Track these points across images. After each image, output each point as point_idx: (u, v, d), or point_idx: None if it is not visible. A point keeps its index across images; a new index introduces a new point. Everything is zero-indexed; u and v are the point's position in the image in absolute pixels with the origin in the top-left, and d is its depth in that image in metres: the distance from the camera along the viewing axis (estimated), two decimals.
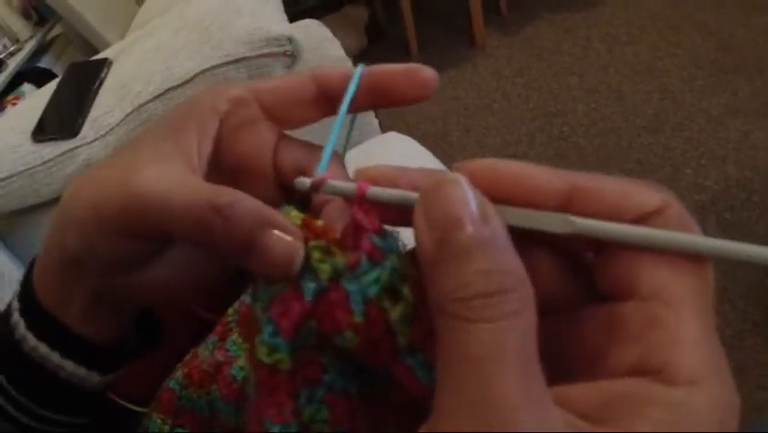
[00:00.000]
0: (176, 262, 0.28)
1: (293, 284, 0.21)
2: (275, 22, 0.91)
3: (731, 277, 1.36)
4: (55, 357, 0.31)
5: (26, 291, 0.31)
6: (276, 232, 0.22)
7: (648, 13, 2.28)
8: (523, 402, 0.16)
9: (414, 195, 0.20)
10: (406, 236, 0.22)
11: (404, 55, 2.45)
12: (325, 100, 0.28)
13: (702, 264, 0.18)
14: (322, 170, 0.24)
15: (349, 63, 1.00)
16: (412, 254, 0.21)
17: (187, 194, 0.22)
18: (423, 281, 0.19)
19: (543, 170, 0.20)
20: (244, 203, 0.22)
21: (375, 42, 2.55)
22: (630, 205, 0.19)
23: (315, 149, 0.28)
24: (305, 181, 0.24)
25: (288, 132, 0.29)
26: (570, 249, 0.21)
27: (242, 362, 0.36)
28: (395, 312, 0.20)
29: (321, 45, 0.99)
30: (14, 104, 1.85)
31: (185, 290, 0.29)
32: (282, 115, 0.28)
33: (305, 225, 0.22)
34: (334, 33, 1.03)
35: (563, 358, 0.20)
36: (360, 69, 0.26)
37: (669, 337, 0.17)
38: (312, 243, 0.22)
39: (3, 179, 0.96)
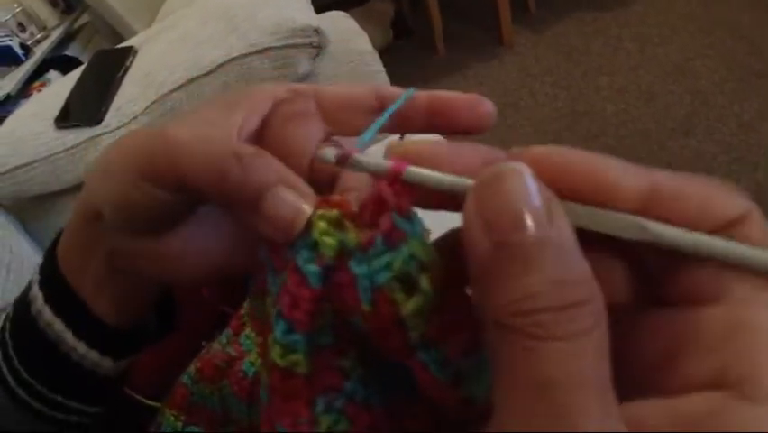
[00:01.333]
0: (192, 237, 0.27)
1: (294, 269, 0.19)
2: (302, 12, 0.90)
3: None
4: (69, 337, 0.30)
5: (48, 260, 0.30)
6: (287, 190, 0.21)
7: (680, 14, 2.23)
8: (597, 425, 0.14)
9: (464, 181, 0.18)
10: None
11: (429, 51, 2.43)
12: (380, 110, 0.27)
13: None
14: (360, 144, 0.22)
15: (376, 56, 0.99)
16: (438, 244, 0.19)
17: (212, 142, 0.22)
18: (451, 277, 0.17)
19: (619, 165, 0.18)
20: (267, 157, 0.22)
21: (400, 38, 2.52)
22: (712, 212, 0.17)
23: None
24: (328, 153, 0.22)
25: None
26: (632, 250, 0.19)
27: (253, 357, 0.35)
28: (408, 306, 0.18)
29: (347, 37, 0.98)
30: (41, 90, 1.86)
31: (197, 269, 0.28)
32: (338, 119, 0.27)
33: (321, 201, 0.20)
34: (360, 26, 1.02)
35: (624, 370, 0.17)
36: (411, 91, 0.26)
37: (754, 348, 0.15)
38: (319, 211, 0.20)
39: (25, 165, 0.97)
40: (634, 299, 0.19)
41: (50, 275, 0.30)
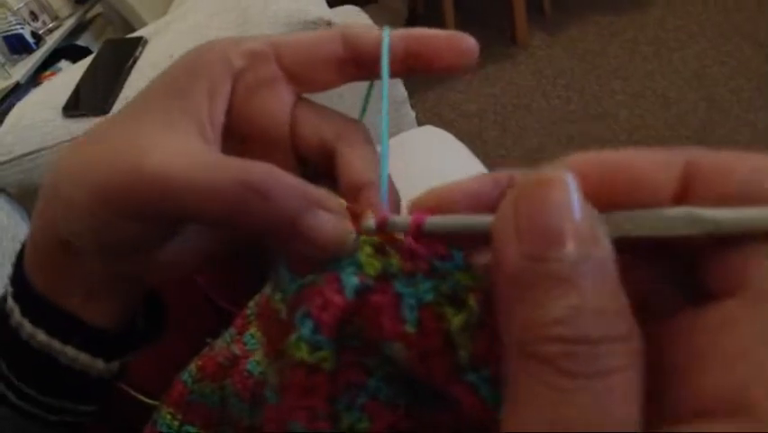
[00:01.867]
0: (182, 240, 0.25)
1: (332, 276, 0.19)
2: (314, 5, 0.90)
3: None
4: (55, 344, 0.29)
5: (19, 275, 0.28)
6: (322, 211, 0.19)
7: (698, 20, 2.21)
8: None
9: (485, 219, 0.17)
10: None
11: None
12: (353, 64, 0.24)
13: None
14: (383, 199, 0.21)
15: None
16: (482, 268, 0.18)
17: (213, 173, 0.19)
18: (494, 300, 0.15)
19: (647, 155, 0.16)
20: (284, 179, 0.19)
21: None
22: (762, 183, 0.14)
23: (332, 115, 0.25)
24: (370, 223, 0.20)
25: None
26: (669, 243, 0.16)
27: (258, 356, 0.34)
28: (456, 321, 0.17)
29: None
30: (51, 79, 1.87)
31: (192, 263, 0.26)
32: (303, 76, 0.25)
33: (350, 215, 0.20)
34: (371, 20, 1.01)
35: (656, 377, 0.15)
36: (387, 31, 0.23)
37: None
38: (363, 237, 0.19)
39: (31, 153, 0.96)
40: (668, 296, 0.16)
41: (23, 291, 0.28)
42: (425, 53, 0.24)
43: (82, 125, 0.95)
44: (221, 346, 0.38)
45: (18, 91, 1.74)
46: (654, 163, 0.16)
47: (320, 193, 0.20)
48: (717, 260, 0.15)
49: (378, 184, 0.22)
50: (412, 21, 2.52)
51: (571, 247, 0.13)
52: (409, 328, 0.18)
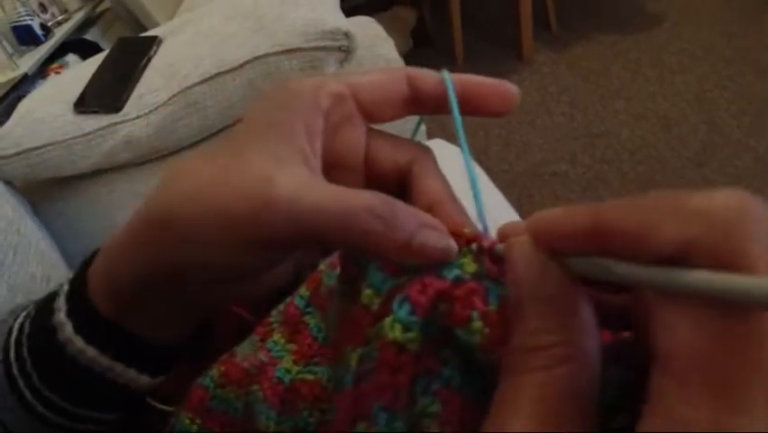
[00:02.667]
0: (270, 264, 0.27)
1: (434, 272, 0.22)
2: (332, 15, 0.90)
3: None
4: (105, 360, 0.30)
5: (78, 295, 0.30)
6: (431, 231, 0.23)
7: (702, 44, 2.25)
8: None
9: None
10: None
11: (449, 62, 2.44)
12: (414, 101, 0.28)
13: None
14: (489, 232, 0.25)
15: (401, 64, 0.98)
16: None
17: (342, 202, 0.23)
18: None
19: (567, 215, 0.19)
20: (402, 207, 0.23)
21: (420, 46, 2.54)
22: (649, 243, 0.17)
23: (403, 142, 0.28)
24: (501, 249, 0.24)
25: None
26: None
27: (288, 364, 0.35)
28: None
29: (374, 43, 0.98)
30: (58, 72, 1.87)
31: (265, 290, 0.28)
32: (375, 112, 0.28)
33: (453, 233, 0.23)
34: None
35: None
36: (447, 74, 0.27)
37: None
38: (465, 248, 0.23)
39: (40, 147, 0.96)
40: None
41: (82, 311, 0.30)
42: (477, 98, 0.27)
43: (93, 122, 0.95)
44: (245, 353, 0.38)
45: (25, 83, 1.74)
46: (572, 224, 0.19)
47: (427, 215, 0.23)
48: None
49: (450, 203, 0.26)
50: (419, 31, 2.54)
51: (523, 289, 0.20)
52: (492, 308, 0.21)
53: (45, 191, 1.04)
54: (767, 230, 0.16)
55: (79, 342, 0.29)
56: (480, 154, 1.98)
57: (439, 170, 0.28)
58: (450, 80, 0.26)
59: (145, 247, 0.26)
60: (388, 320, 0.22)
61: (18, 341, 0.33)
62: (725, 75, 2.07)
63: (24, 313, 0.35)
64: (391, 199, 0.23)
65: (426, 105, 0.28)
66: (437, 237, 0.23)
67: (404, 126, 0.30)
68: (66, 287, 0.31)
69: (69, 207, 1.04)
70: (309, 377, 0.34)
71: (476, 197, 0.24)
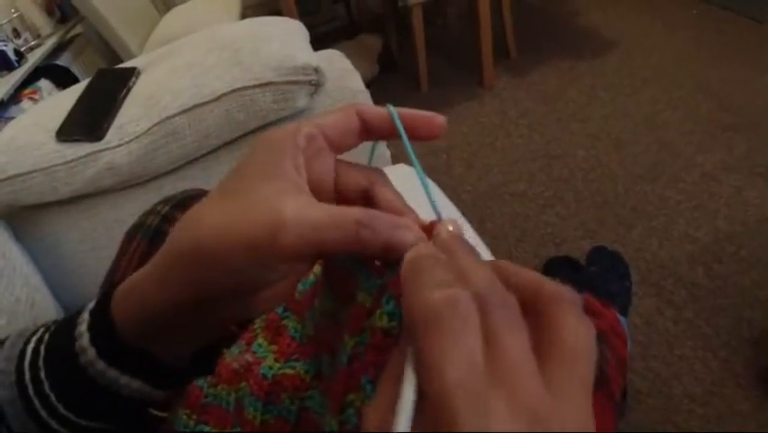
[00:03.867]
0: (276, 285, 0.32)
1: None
2: (303, 52, 0.95)
3: (715, 325, 1.40)
4: (124, 379, 0.34)
5: (101, 322, 0.34)
6: (404, 230, 0.29)
7: (652, 68, 2.35)
8: None
9: None
10: None
11: (413, 87, 2.51)
12: (365, 131, 0.34)
13: None
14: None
15: (367, 95, 1.04)
16: None
17: (337, 218, 0.28)
18: None
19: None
20: (381, 215, 0.29)
21: (386, 72, 2.60)
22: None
23: (365, 168, 0.35)
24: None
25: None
26: None
27: (270, 362, 0.40)
28: None
29: (342, 76, 1.03)
30: (31, 98, 1.88)
31: (271, 306, 0.32)
32: (339, 144, 0.34)
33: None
34: (348, 59, 1.08)
35: None
36: (392, 108, 0.34)
37: None
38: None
39: (24, 174, 0.98)
40: None
41: (105, 338, 0.33)
42: (412, 127, 0.33)
43: (75, 150, 0.98)
44: (234, 356, 0.43)
45: (0, 109, 1.76)
46: None
47: (401, 219, 0.30)
48: None
49: (408, 212, 0.33)
50: (385, 57, 2.61)
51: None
52: None
53: (27, 218, 1.06)
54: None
55: (101, 365, 0.33)
56: (444, 175, 2.04)
57: (392, 186, 0.34)
58: (395, 112, 0.33)
59: (179, 277, 0.30)
60: (378, 312, 0.28)
61: (33, 364, 0.36)
62: (675, 96, 2.17)
63: (36, 337, 0.38)
64: (371, 211, 0.29)
65: (375, 133, 0.34)
66: (409, 234, 0.29)
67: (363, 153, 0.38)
68: (86, 316, 0.35)
69: (50, 231, 1.07)
70: (290, 371, 0.39)
71: (428, 194, 0.31)
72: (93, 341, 0.33)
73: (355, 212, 0.29)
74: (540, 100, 2.31)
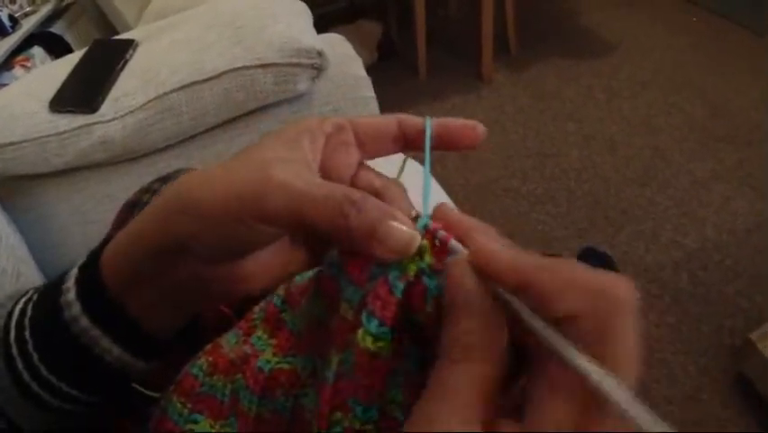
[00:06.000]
0: (263, 257, 0.32)
1: (383, 281, 0.26)
2: (307, 34, 0.94)
3: (696, 332, 1.42)
4: (105, 342, 0.33)
5: (89, 279, 0.33)
6: (395, 222, 0.26)
7: (650, 72, 2.36)
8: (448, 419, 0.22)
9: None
10: None
11: (412, 75, 2.50)
12: (403, 140, 0.33)
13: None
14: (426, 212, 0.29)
15: (368, 82, 1.03)
16: None
17: (326, 189, 0.27)
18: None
19: (506, 257, 0.24)
20: (372, 199, 0.27)
21: (385, 59, 2.59)
22: (551, 308, 0.22)
23: (385, 178, 0.34)
24: (442, 234, 0.28)
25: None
26: None
27: (268, 355, 0.39)
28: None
29: (344, 61, 1.02)
30: (23, 65, 1.85)
31: (260, 284, 0.32)
32: (369, 146, 0.33)
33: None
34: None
35: None
36: (429, 120, 0.33)
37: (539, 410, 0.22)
38: None
39: (15, 143, 0.96)
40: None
41: (91, 291, 0.33)
42: (452, 135, 0.33)
43: (68, 121, 0.96)
44: (231, 346, 0.43)
45: None
46: (508, 268, 0.24)
47: (396, 210, 0.27)
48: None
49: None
50: (385, 45, 2.59)
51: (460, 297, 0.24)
52: (428, 308, 0.26)
53: (16, 188, 1.04)
54: (634, 317, 0.22)
55: (85, 321, 0.33)
56: (438, 165, 2.04)
57: (407, 198, 0.32)
58: (430, 125, 0.32)
59: (163, 224, 0.30)
60: (360, 332, 0.26)
61: (19, 323, 0.36)
62: (670, 101, 2.18)
63: (25, 298, 0.38)
64: (366, 194, 0.27)
65: (412, 144, 0.33)
66: (399, 230, 0.26)
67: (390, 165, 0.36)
68: (74, 271, 0.35)
69: (38, 203, 1.05)
70: (286, 366, 0.38)
71: (425, 195, 0.30)
72: (79, 295, 0.33)
73: (348, 189, 0.27)
74: (537, 97, 2.31)
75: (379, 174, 0.34)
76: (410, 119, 0.33)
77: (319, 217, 0.27)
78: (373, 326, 0.25)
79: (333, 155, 0.32)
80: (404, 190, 0.33)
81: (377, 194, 0.32)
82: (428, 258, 0.27)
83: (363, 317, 0.26)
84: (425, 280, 0.26)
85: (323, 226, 0.27)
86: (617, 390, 0.19)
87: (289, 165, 0.28)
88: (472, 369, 0.22)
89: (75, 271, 0.35)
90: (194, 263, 0.31)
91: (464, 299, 0.23)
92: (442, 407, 0.22)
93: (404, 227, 0.26)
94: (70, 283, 0.34)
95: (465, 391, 0.22)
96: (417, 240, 0.27)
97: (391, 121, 0.33)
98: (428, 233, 0.27)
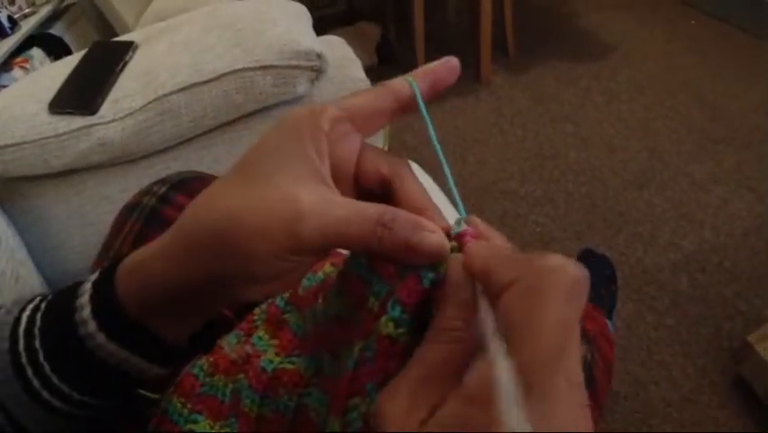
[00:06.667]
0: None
1: (412, 276, 0.28)
2: (306, 37, 0.94)
3: (695, 333, 1.42)
4: (123, 354, 0.33)
5: (105, 298, 0.33)
6: (426, 233, 0.28)
7: (649, 75, 2.36)
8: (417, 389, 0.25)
9: None
10: None
11: None
12: (400, 109, 0.33)
13: None
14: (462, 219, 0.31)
15: (368, 84, 1.04)
16: None
17: (356, 215, 0.28)
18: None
19: (483, 254, 0.27)
20: (402, 215, 0.28)
21: (384, 62, 2.59)
22: (491, 281, 0.26)
23: (390, 157, 0.34)
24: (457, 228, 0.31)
25: None
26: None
27: (270, 355, 0.40)
28: None
29: (343, 64, 1.02)
30: (22, 66, 1.85)
31: (275, 292, 0.32)
32: (368, 126, 0.33)
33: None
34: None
35: None
36: (413, 82, 0.33)
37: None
38: None
39: (14, 145, 0.96)
40: None
41: (108, 312, 0.33)
42: (437, 80, 0.34)
43: (67, 123, 0.96)
44: (232, 346, 0.43)
45: None
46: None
47: (424, 221, 0.29)
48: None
49: (432, 208, 0.32)
50: (384, 48, 2.60)
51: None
52: None
53: (15, 190, 1.04)
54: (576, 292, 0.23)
55: (101, 338, 0.33)
56: (436, 167, 2.01)
57: (416, 179, 0.33)
58: (416, 86, 0.33)
59: (193, 259, 0.30)
60: (383, 319, 0.27)
61: (28, 331, 0.35)
62: (668, 105, 2.18)
63: (32, 306, 0.37)
64: (392, 209, 0.28)
65: (407, 109, 0.33)
66: (430, 239, 0.28)
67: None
68: (88, 287, 0.34)
69: (37, 205, 1.05)
70: (290, 366, 0.38)
71: (452, 193, 0.32)
72: (94, 313, 0.33)
73: (376, 210, 0.28)
74: (535, 100, 2.32)
75: (382, 156, 0.33)
76: (399, 85, 0.33)
77: (354, 242, 0.28)
78: (396, 312, 0.27)
79: (336, 151, 0.32)
80: (410, 168, 0.33)
81: (387, 181, 0.32)
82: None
83: (389, 305, 0.28)
84: None
85: (356, 249, 0.29)
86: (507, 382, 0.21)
87: (312, 189, 0.28)
88: (444, 348, 0.25)
89: (89, 288, 0.34)
90: (218, 289, 0.31)
91: (451, 290, 0.27)
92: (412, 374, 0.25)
93: (434, 236, 0.28)
94: (84, 300, 0.34)
95: (432, 364, 0.25)
96: (447, 246, 0.28)
97: (384, 95, 0.33)
98: (459, 237, 0.29)
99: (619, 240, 1.68)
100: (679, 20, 2.68)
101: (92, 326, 0.33)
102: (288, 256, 0.28)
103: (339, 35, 1.09)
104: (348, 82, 1.01)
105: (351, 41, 1.10)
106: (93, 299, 0.34)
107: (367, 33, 2.53)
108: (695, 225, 1.71)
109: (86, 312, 0.33)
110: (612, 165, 1.96)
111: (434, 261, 0.28)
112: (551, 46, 2.62)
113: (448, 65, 0.34)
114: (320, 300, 0.36)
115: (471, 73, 2.45)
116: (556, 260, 0.23)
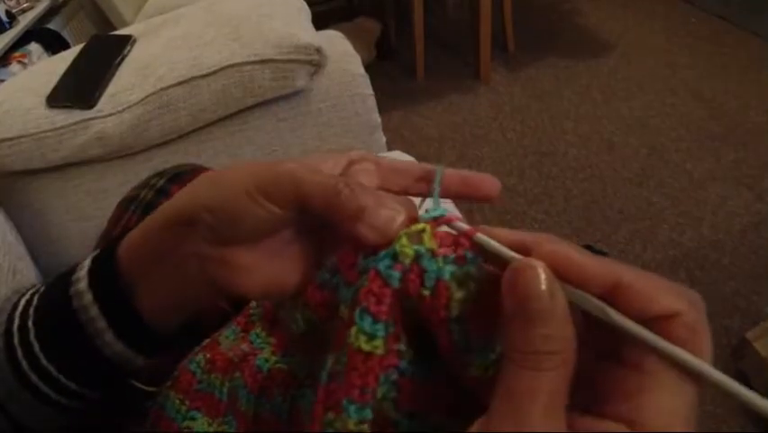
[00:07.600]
0: (261, 254, 0.32)
1: (373, 273, 0.26)
2: (305, 31, 0.94)
3: None
4: (109, 336, 0.34)
5: (102, 264, 0.34)
6: (383, 208, 0.28)
7: (648, 73, 2.36)
8: (542, 425, 0.21)
9: (508, 252, 0.26)
10: None
11: (409, 75, 2.50)
12: (424, 181, 0.35)
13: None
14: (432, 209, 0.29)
15: (367, 79, 1.03)
16: (491, 274, 0.26)
17: (324, 175, 0.30)
18: (487, 292, 0.25)
19: (593, 263, 0.24)
20: (369, 188, 0.29)
21: (383, 58, 2.58)
22: (651, 307, 0.23)
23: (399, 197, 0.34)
24: (462, 225, 0.29)
25: None
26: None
27: (266, 354, 0.39)
28: (457, 294, 0.25)
29: (342, 59, 1.02)
30: (20, 61, 1.84)
31: (255, 283, 0.32)
32: (389, 178, 0.34)
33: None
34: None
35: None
36: (440, 168, 0.34)
37: (651, 406, 0.22)
38: (404, 230, 0.27)
39: (12, 139, 0.96)
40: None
41: (103, 280, 0.34)
42: (474, 187, 0.34)
43: (65, 117, 0.96)
44: (230, 343, 0.42)
45: None
46: (594, 272, 0.24)
47: (384, 194, 0.29)
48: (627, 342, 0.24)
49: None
50: (383, 43, 2.60)
51: (535, 303, 0.23)
52: (426, 292, 0.26)
53: (13, 184, 1.04)
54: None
55: (94, 310, 0.33)
56: (434, 162, 2.00)
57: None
58: (440, 171, 0.33)
59: (188, 196, 0.32)
60: (353, 330, 0.25)
61: (24, 312, 0.36)
62: (667, 102, 2.18)
63: (32, 290, 0.38)
64: (362, 183, 0.30)
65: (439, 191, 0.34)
66: (383, 210, 0.28)
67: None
68: (87, 262, 0.35)
69: (35, 199, 1.05)
70: (284, 366, 0.38)
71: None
72: (91, 284, 0.34)
73: (343, 176, 0.31)
74: (535, 97, 2.31)
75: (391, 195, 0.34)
76: (428, 167, 0.35)
77: (317, 197, 0.29)
78: (367, 323, 0.25)
79: (353, 176, 0.33)
80: (415, 206, 0.33)
81: None
82: (429, 242, 0.27)
83: (356, 315, 0.25)
84: (425, 262, 0.26)
85: (318, 203, 0.29)
86: (719, 375, 0.21)
87: (299, 164, 0.30)
88: (557, 374, 0.22)
89: (87, 262, 0.35)
90: (199, 241, 0.31)
91: (540, 305, 0.23)
92: (532, 409, 0.22)
93: (385, 210, 0.28)
94: (82, 273, 0.35)
95: (550, 395, 0.22)
96: (399, 219, 0.27)
97: (415, 164, 0.35)
98: (434, 221, 0.28)
99: (618, 237, 1.68)
100: (678, 18, 2.68)
101: (88, 297, 0.34)
102: (262, 201, 0.29)
103: (338, 31, 1.09)
104: (347, 77, 1.01)
105: (350, 37, 1.10)
106: (91, 271, 0.35)
107: (366, 29, 2.53)
108: (694, 223, 1.71)
109: (83, 284, 0.34)
110: (611, 162, 1.96)
111: (383, 235, 0.27)
112: (550, 43, 2.62)
113: (488, 181, 0.34)
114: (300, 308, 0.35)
115: (470, 70, 2.46)
116: (694, 293, 0.24)
